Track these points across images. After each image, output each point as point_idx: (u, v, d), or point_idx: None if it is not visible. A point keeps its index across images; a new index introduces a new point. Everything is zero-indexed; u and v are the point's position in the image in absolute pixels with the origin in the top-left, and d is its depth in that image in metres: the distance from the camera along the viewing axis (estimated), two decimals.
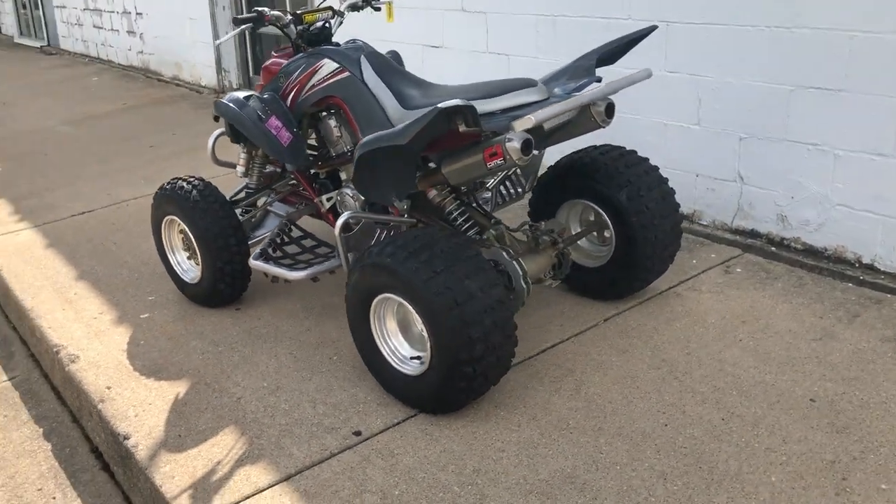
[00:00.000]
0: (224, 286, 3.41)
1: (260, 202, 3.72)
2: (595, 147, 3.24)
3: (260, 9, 3.27)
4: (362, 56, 3.15)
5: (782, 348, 2.93)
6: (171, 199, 3.43)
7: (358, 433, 2.63)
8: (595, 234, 3.27)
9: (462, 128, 2.56)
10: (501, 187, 3.47)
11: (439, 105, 2.39)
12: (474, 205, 3.19)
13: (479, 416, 2.66)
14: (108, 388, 3.04)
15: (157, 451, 2.64)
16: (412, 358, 2.70)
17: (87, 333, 3.45)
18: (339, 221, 2.86)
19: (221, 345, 3.27)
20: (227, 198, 3.60)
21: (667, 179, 3.18)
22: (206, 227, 3.32)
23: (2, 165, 6.17)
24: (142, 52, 9.56)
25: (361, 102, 3.10)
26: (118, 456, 2.75)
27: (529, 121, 2.41)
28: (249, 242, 3.46)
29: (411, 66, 5.40)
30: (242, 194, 3.73)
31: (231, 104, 3.23)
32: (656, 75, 3.95)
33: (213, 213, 3.33)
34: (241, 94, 3.29)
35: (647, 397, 2.70)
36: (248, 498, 2.38)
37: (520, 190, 3.48)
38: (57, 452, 3.02)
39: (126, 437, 2.73)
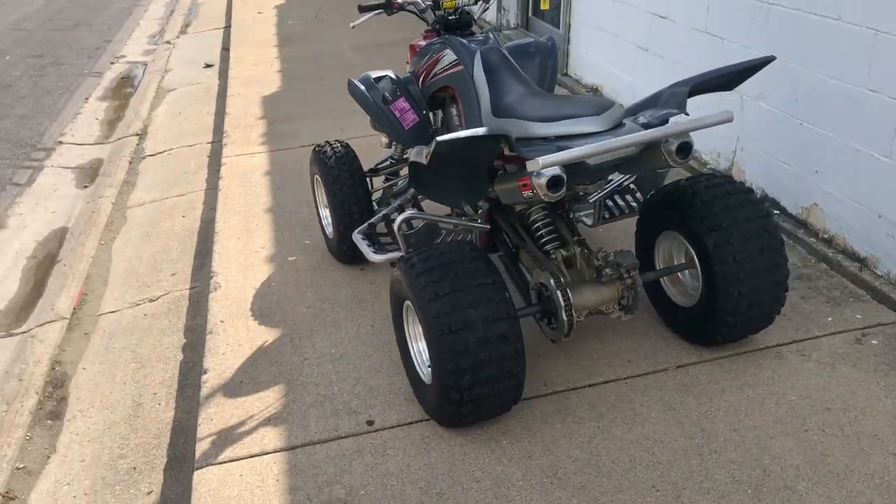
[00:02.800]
0: (346, 248, 3.68)
1: (402, 172, 3.90)
2: (702, 176, 2.92)
3: None
4: (478, 52, 3.13)
5: (847, 456, 2.50)
6: (316, 161, 3.75)
7: (371, 423, 2.81)
8: (691, 270, 2.98)
9: (506, 150, 2.52)
10: (609, 201, 3.28)
11: (478, 131, 2.37)
12: (569, 216, 3.07)
13: (480, 438, 2.68)
14: (222, 321, 3.52)
15: (216, 392, 3.05)
16: (428, 365, 2.78)
17: (240, 266, 3.97)
18: (398, 220, 2.96)
19: (327, 302, 3.58)
20: (370, 167, 3.83)
21: (776, 228, 2.78)
22: (335, 191, 3.59)
23: (284, 86, 6.99)
24: None
25: (467, 99, 3.11)
26: (194, 387, 3.23)
27: (536, 163, 2.28)
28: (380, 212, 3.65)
29: (638, 33, 5.10)
30: (387, 163, 3.93)
31: (360, 85, 3.40)
32: (853, 90, 3.36)
33: (342, 180, 3.59)
34: (375, 74, 3.44)
35: (654, 468, 2.51)
36: (250, 457, 2.70)
37: (634, 205, 3.25)
38: (182, 366, 3.59)
39: (205, 371, 3.18)
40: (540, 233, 2.96)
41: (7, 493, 3.04)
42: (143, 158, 6.22)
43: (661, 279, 3.09)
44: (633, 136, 2.42)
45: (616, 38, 5.49)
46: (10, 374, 3.74)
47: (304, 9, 10.07)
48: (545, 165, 2.28)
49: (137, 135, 6.72)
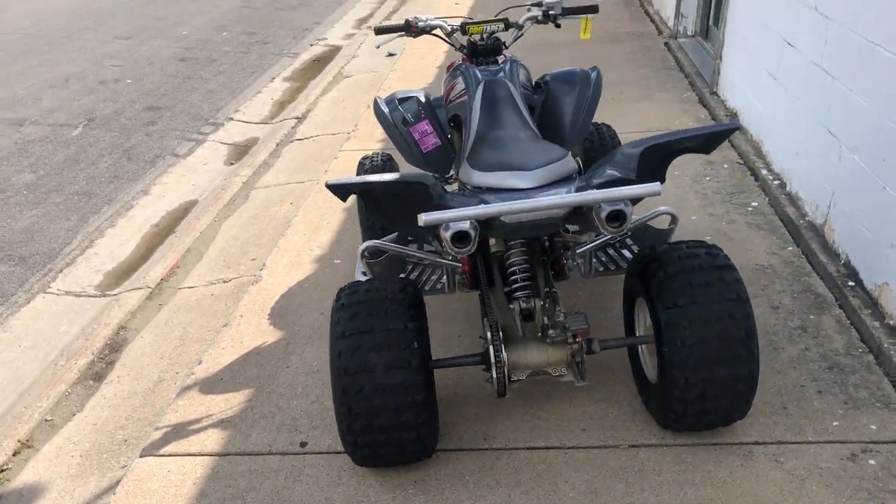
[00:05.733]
0: None
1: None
2: (683, 243, 2.61)
3: (410, 18, 3.29)
4: (482, 84, 3.01)
5: None
6: (360, 169, 3.81)
7: (304, 444, 2.86)
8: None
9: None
10: (604, 253, 3.02)
11: (403, 176, 2.34)
12: (548, 265, 2.89)
13: (390, 482, 2.64)
14: (241, 315, 3.71)
15: (196, 385, 3.25)
16: None
17: (289, 262, 4.15)
18: (361, 247, 2.94)
19: None
20: None
21: (745, 316, 2.42)
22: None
23: (435, 81, 7.10)
24: None
25: (466, 130, 3.01)
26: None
27: (421, 219, 2.18)
28: None
29: (771, 58, 4.59)
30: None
31: (384, 105, 3.40)
32: None
33: None
34: (402, 95, 3.42)
35: None
36: (186, 455, 2.87)
37: (624, 262, 2.98)
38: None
39: (199, 363, 3.39)
40: (514, 277, 2.82)
41: (27, 440, 3.45)
42: (291, 142, 6.62)
43: (640, 347, 2.82)
44: (545, 200, 2.23)
45: (755, 61, 4.98)
46: (84, 331, 4.22)
47: (499, 2, 10.09)
48: (425, 223, 2.17)
49: (297, 118, 7.15)
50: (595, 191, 2.23)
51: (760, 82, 4.84)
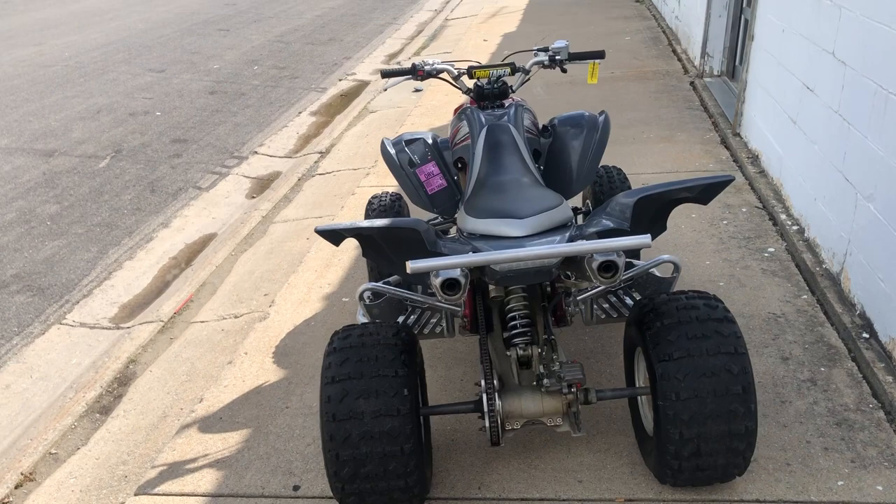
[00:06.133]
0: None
1: (453, 230, 3.83)
2: (682, 294, 2.56)
3: (416, 62, 3.31)
4: (485, 129, 3.01)
5: None
6: (368, 208, 3.82)
7: (297, 488, 2.83)
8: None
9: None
10: (603, 300, 2.97)
11: (395, 222, 2.34)
12: (548, 312, 2.85)
13: None
14: (246, 353, 3.72)
15: (195, 423, 3.25)
16: None
17: (298, 299, 4.16)
18: (360, 289, 2.92)
19: None
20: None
21: (743, 371, 2.36)
22: None
23: None
24: (677, 17, 9.50)
25: (469, 173, 3.01)
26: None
27: (408, 266, 2.16)
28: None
29: (790, 102, 4.54)
30: (438, 219, 3.88)
31: (391, 147, 3.40)
32: None
33: None
34: (409, 136, 3.42)
35: None
36: (178, 495, 2.86)
37: (625, 311, 2.93)
38: None
39: (200, 400, 3.40)
40: (513, 323, 2.78)
41: (31, 473, 3.47)
42: (313, 176, 6.67)
43: (639, 398, 2.76)
44: (533, 251, 2.20)
45: (776, 104, 4.93)
46: (95, 364, 4.25)
47: (527, 39, 10.15)
48: (412, 271, 2.16)
49: (320, 153, 7.22)
50: (584, 241, 2.20)
51: (780, 125, 4.78)
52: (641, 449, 2.76)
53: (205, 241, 5.73)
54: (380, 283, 2.95)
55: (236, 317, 4.47)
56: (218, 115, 8.38)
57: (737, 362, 2.37)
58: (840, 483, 2.61)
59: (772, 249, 4.20)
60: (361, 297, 2.96)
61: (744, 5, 6.87)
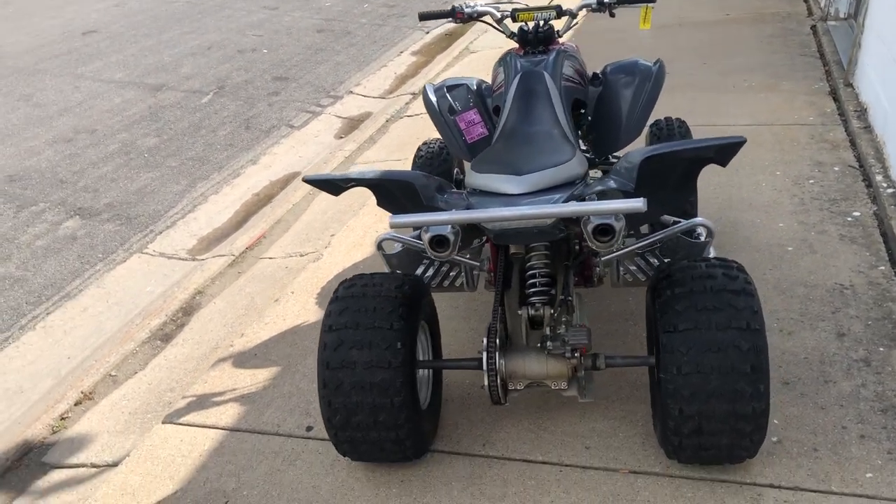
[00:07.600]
0: None
1: None
2: (700, 261, 2.38)
3: (456, 4, 3.16)
4: (518, 76, 2.87)
5: None
6: (416, 155, 3.76)
7: (310, 429, 2.88)
8: None
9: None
10: (630, 262, 2.81)
11: (387, 174, 2.30)
12: (570, 272, 2.74)
13: (377, 478, 2.62)
14: (292, 292, 3.81)
15: (230, 357, 3.36)
16: None
17: (352, 242, 4.21)
18: (377, 238, 2.88)
19: None
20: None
21: (756, 349, 2.18)
22: None
23: None
24: None
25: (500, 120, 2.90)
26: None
27: (389, 222, 2.10)
28: None
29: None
30: None
31: (432, 93, 3.30)
32: None
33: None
34: (452, 82, 3.32)
35: None
36: (201, 426, 2.97)
37: (649, 274, 2.76)
38: None
39: (241, 335, 3.50)
40: (531, 281, 2.69)
41: (90, 392, 3.70)
42: (401, 118, 6.66)
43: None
44: (520, 210, 2.09)
45: (889, 53, 4.47)
46: (166, 293, 4.46)
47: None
48: (392, 226, 2.10)
49: (412, 94, 7.18)
50: (575, 203, 2.07)
51: (891, 77, 4.34)
52: (654, 420, 2.63)
53: (288, 180, 5.84)
54: (396, 233, 2.92)
55: (301, 255, 4.56)
56: (321, 54, 8.47)
57: (748, 339, 2.19)
58: (869, 475, 2.40)
59: (857, 213, 3.86)
60: (380, 247, 2.93)
61: None
